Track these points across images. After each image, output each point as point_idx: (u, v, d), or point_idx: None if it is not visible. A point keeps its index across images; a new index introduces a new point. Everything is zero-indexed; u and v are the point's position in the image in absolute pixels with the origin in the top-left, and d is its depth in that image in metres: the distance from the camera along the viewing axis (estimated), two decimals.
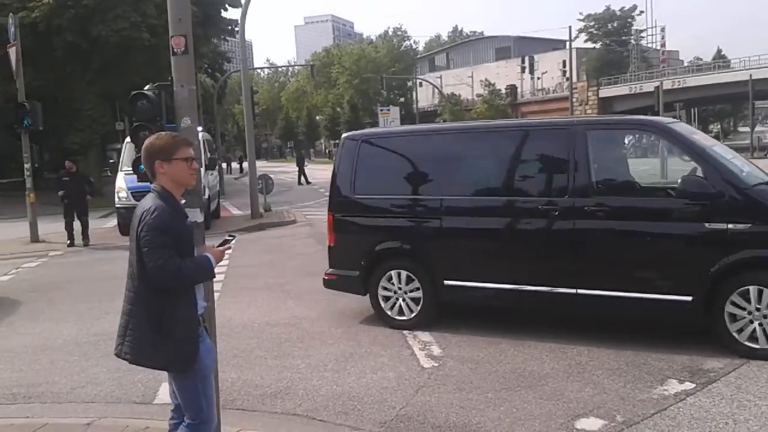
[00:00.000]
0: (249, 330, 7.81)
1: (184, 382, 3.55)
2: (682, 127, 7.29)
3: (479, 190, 7.36)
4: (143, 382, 6.07)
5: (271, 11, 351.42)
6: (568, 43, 58.54)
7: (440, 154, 7.53)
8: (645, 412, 4.95)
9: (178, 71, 4.62)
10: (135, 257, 3.40)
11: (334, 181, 8.07)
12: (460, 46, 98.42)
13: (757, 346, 5.87)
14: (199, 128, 5.85)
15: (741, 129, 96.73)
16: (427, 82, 74.30)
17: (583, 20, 76.69)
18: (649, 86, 50.01)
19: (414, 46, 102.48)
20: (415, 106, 78.64)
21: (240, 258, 12.41)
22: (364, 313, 8.15)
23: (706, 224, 6.07)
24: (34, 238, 17.16)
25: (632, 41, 76.08)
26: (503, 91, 73.26)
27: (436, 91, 71.22)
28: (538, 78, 73.42)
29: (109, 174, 32.70)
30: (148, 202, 3.44)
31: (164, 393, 5.29)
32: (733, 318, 5.97)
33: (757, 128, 67.42)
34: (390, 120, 75.32)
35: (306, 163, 41.03)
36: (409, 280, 7.46)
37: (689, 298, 6.10)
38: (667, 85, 47.74)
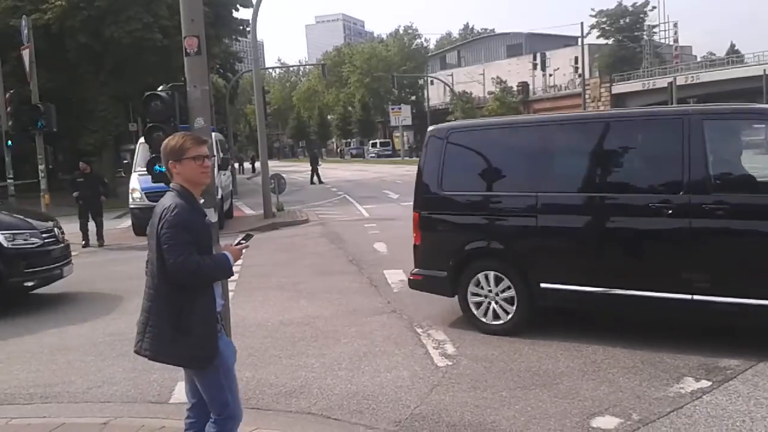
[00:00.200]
0: (263, 329, 7.83)
1: (207, 379, 3.56)
2: None
3: (580, 185, 6.77)
4: (159, 381, 6.10)
5: (282, 11, 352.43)
6: (580, 40, 58.22)
7: (536, 146, 7.03)
8: (661, 411, 4.92)
9: (191, 72, 4.65)
10: (155, 255, 3.44)
11: (420, 176, 7.64)
12: (471, 44, 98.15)
13: None
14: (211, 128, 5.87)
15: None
16: (439, 80, 74.23)
17: (595, 16, 76.27)
18: (662, 82, 49.70)
19: (425, 45, 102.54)
20: (426, 104, 78.56)
21: (253, 257, 12.44)
22: (377, 312, 8.15)
23: None
24: None
25: (645, 37, 75.56)
26: (515, 89, 73.02)
27: (448, 89, 71.11)
28: (550, 75, 73.05)
29: (123, 175, 32.94)
30: (168, 200, 3.48)
31: (180, 392, 5.32)
32: None
33: None
34: (401, 119, 75.70)
35: (319, 162, 41.05)
36: (498, 280, 7.01)
37: None
38: (681, 80, 47.44)
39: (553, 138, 7.09)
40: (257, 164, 45.46)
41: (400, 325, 7.65)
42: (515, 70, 75.10)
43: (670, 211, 6.13)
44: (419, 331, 7.32)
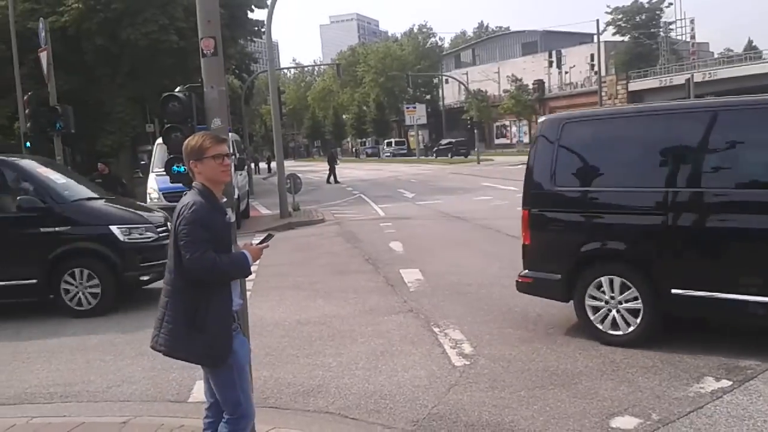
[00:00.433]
0: (280, 328, 7.85)
1: (220, 377, 3.59)
2: None
3: (720, 180, 6.04)
4: (178, 380, 6.14)
5: (296, 11, 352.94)
6: (596, 37, 57.88)
7: (665, 138, 6.33)
8: (681, 411, 4.88)
9: (208, 73, 4.67)
10: (173, 251, 3.49)
11: (530, 172, 7.05)
12: (486, 42, 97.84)
13: None
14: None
15: None
16: (453, 78, 74.05)
17: (610, 13, 75.63)
18: (679, 79, 49.25)
19: (439, 43, 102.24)
20: (441, 103, 78.42)
21: (270, 257, 12.44)
22: (394, 311, 8.15)
23: None
24: None
25: (661, 33, 74.89)
26: (530, 87, 72.72)
27: (462, 87, 70.93)
28: (566, 72, 72.65)
29: (141, 175, 33.08)
30: (188, 198, 3.54)
31: (199, 391, 5.35)
32: None
33: None
34: (416, 118, 75.65)
35: (337, 162, 41.08)
36: (624, 288, 6.29)
37: None
38: (698, 77, 47.00)
39: (687, 128, 6.29)
40: (273, 164, 45.57)
41: (417, 324, 7.65)
42: (530, 68, 74.75)
43: None
44: (436, 330, 7.31)
